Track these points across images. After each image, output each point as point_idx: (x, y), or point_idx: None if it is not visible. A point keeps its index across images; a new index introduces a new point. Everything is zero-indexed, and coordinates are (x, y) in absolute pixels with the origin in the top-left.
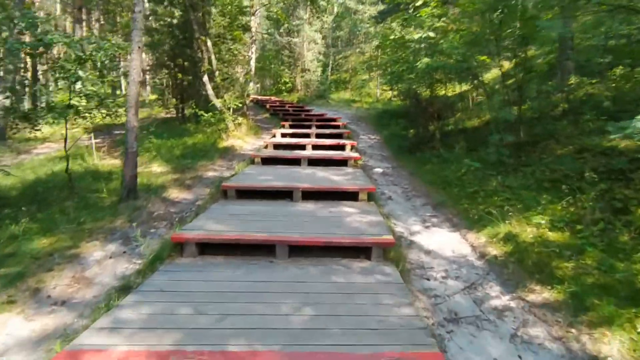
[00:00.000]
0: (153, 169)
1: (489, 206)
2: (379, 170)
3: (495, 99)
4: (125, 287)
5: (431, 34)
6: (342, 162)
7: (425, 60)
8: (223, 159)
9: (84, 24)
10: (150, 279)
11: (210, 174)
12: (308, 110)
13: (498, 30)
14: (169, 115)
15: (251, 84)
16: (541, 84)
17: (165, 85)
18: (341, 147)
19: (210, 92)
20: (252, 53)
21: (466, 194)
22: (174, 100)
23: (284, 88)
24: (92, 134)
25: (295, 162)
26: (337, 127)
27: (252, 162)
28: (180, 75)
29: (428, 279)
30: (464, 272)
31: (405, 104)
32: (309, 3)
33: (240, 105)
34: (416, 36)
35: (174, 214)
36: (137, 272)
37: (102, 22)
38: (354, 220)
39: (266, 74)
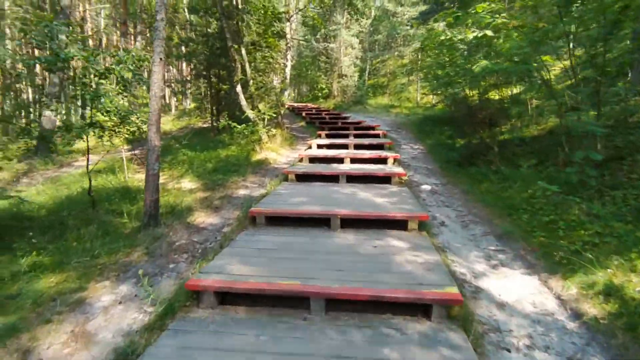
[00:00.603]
0: (183, 185)
1: (574, 242)
2: (427, 187)
3: (557, 102)
4: (124, 355)
5: (488, 33)
6: (385, 179)
7: (483, 63)
8: (255, 174)
9: (132, 37)
10: (155, 345)
11: (241, 192)
12: (345, 118)
13: (575, 24)
14: (206, 125)
15: (286, 93)
16: (611, 85)
17: (203, 94)
18: (382, 160)
19: (244, 102)
20: (287, 60)
21: (540, 224)
22: (210, 110)
23: (320, 94)
24: (123, 148)
25: (333, 178)
26: (377, 136)
27: (286, 178)
28: (216, 85)
29: (508, 350)
30: (554, 340)
31: (450, 109)
32: (346, 6)
33: (274, 115)
34: (471, 35)
35: (197, 244)
36: (143, 328)
37: (147, 35)
38: (405, 261)
39: (302, 80)
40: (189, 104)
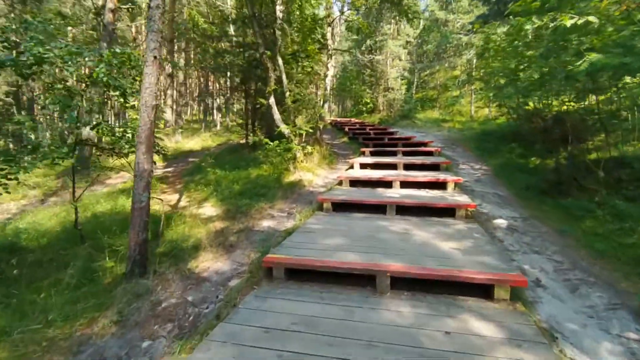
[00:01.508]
0: (203, 211)
1: None
2: (502, 222)
3: None
4: None
5: (591, 19)
6: (448, 211)
7: (593, 57)
8: (286, 200)
9: (182, 54)
10: None
11: (265, 223)
12: (392, 133)
13: None
14: (244, 141)
15: (326, 105)
16: None
17: (244, 109)
18: (441, 185)
19: (277, 115)
20: (328, 69)
21: None
22: (245, 125)
23: (364, 109)
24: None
25: (379, 209)
26: (430, 154)
27: (320, 207)
28: (252, 98)
29: None
30: None
31: (515, 122)
32: (394, 12)
33: (311, 130)
34: (569, 22)
35: (190, 307)
36: None
37: (193, 54)
38: None
39: (346, 95)
40: (230, 120)
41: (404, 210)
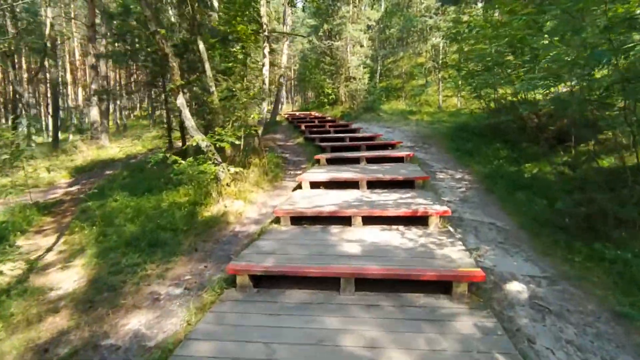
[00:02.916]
0: (63, 278)
1: None
2: (519, 290)
3: None
4: None
5: None
6: (440, 285)
7: None
8: (191, 256)
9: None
10: None
11: (132, 324)
12: (354, 131)
13: None
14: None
15: (264, 105)
16: None
17: (166, 110)
18: (420, 220)
19: (190, 122)
20: (266, 57)
21: None
22: (167, 131)
23: (326, 100)
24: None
25: (329, 281)
26: (400, 160)
27: (234, 281)
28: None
29: None
30: None
31: (493, 116)
32: None
33: (237, 142)
34: None
35: None
36: None
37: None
38: None
39: (307, 85)
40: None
41: (368, 285)
